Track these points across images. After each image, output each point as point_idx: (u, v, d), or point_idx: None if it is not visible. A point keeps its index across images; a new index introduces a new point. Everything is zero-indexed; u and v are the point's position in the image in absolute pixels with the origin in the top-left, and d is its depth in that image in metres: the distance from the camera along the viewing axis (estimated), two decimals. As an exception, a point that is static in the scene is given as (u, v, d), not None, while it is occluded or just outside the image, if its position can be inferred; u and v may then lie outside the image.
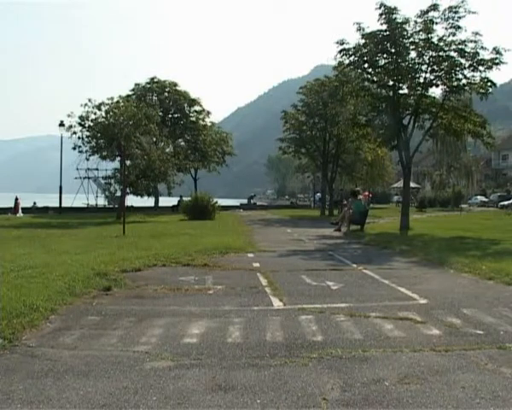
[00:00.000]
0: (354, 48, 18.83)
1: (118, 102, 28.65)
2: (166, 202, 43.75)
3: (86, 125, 27.49)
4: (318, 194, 51.35)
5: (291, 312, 5.70)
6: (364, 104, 21.25)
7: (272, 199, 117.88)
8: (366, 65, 19.35)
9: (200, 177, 48.95)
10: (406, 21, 18.21)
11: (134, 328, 5.03)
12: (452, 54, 18.07)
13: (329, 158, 36.78)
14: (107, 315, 5.52)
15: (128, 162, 27.09)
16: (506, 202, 45.99)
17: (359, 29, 18.57)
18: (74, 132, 27.79)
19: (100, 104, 27.60)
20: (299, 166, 49.13)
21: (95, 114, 27.50)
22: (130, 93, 43.52)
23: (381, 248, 13.12)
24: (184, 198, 36.74)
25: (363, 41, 18.67)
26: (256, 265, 9.46)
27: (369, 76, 19.83)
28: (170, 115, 45.74)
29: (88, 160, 36.33)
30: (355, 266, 9.62)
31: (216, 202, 29.28)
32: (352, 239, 16.11)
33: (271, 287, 7.23)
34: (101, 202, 42.96)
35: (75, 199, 43.34)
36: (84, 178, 43.88)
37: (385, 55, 18.84)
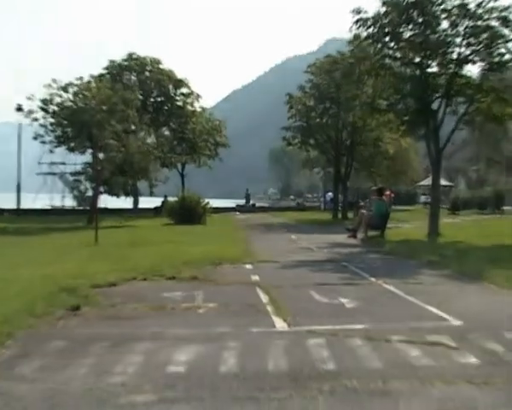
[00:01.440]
0: (373, 17, 18.87)
1: (88, 82, 28.81)
2: (148, 202, 43.88)
3: (50, 111, 27.56)
4: (330, 194, 51.48)
5: (297, 335, 5.70)
6: (385, 85, 21.30)
7: (275, 199, 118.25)
8: (388, 38, 19.40)
9: (188, 173, 49.09)
10: (437, -17, 18.26)
11: (108, 355, 5.01)
12: (493, 23, 18.12)
13: (343, 150, 36.92)
14: (76, 340, 5.50)
15: (101, 155, 27.15)
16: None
17: (379, -6, 18.62)
18: (35, 119, 27.89)
19: (66, 85, 27.72)
20: (306, 161, 49.34)
21: (60, 96, 27.60)
22: (104, 72, 43.63)
23: (405, 259, 13.14)
24: (169, 198, 36.81)
25: (384, 9, 18.71)
26: (255, 278, 9.49)
27: (392, 51, 19.90)
28: (152, 99, 45.96)
29: (52, 152, 36.37)
30: (374, 279, 9.64)
31: (207, 204, 29.45)
32: (370, 247, 16.14)
33: (273, 305, 7.23)
34: (69, 202, 42.94)
35: (36, 199, 43.30)
36: (47, 173, 43.80)
37: (410, 27, 18.89)
